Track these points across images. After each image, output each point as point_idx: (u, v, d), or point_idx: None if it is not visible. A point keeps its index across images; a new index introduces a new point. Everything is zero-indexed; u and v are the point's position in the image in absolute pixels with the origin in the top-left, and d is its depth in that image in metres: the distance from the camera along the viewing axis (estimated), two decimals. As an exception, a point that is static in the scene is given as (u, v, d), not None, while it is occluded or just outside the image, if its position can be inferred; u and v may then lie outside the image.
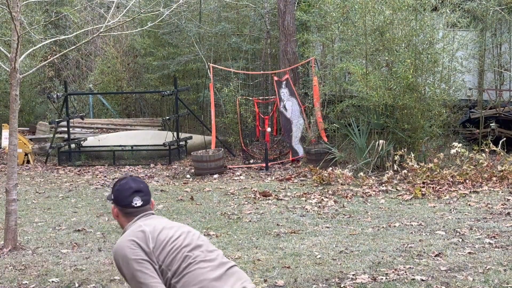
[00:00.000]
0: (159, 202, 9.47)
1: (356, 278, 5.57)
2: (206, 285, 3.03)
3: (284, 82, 13.08)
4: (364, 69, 11.43)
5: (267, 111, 14.14)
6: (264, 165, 12.31)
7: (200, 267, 3.07)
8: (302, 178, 11.03)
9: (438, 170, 9.94)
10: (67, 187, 11.13)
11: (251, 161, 12.97)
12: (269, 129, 13.11)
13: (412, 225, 7.46)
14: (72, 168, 13.30)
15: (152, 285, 3.01)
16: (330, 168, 10.77)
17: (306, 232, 7.38)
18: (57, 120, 14.19)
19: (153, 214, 3.31)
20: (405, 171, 10.10)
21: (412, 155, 10.21)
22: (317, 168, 11.00)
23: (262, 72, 14.84)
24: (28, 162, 13.94)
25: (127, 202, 3.25)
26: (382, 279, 5.52)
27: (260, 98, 14.02)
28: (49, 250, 7.06)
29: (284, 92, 13.02)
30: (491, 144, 10.47)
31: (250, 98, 13.63)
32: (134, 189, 3.26)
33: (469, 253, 6.20)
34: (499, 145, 10.43)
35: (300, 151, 12.75)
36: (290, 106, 12.99)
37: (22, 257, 6.80)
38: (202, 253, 3.14)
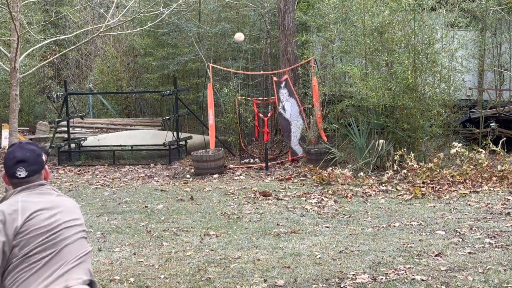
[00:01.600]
0: (159, 202, 9.47)
1: (356, 278, 5.57)
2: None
3: (283, 83, 13.07)
4: (363, 69, 11.44)
5: (267, 111, 14.14)
6: (263, 165, 12.30)
7: (31, 274, 2.89)
8: (302, 178, 11.03)
9: (438, 170, 9.94)
10: (67, 187, 11.13)
11: (249, 160, 12.96)
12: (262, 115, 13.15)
13: (412, 225, 7.46)
14: (72, 168, 13.30)
15: None
16: (330, 168, 10.77)
17: (306, 232, 7.37)
18: (57, 120, 14.19)
19: (41, 186, 3.08)
20: (405, 171, 10.10)
21: (412, 155, 10.21)
22: (317, 168, 11.00)
23: (261, 72, 14.83)
24: (28, 162, 13.93)
25: (11, 172, 3.05)
26: (382, 279, 5.51)
27: (260, 98, 14.01)
28: (49, 250, 7.05)
29: (283, 92, 13.01)
30: (491, 144, 10.47)
31: (250, 99, 13.62)
32: (17, 158, 3.05)
33: (469, 253, 6.20)
34: (499, 145, 10.43)
35: (299, 151, 12.75)
36: (289, 107, 12.99)
37: (22, 257, 6.79)
38: (52, 257, 2.93)
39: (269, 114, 13.54)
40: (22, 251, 2.90)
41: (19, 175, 3.05)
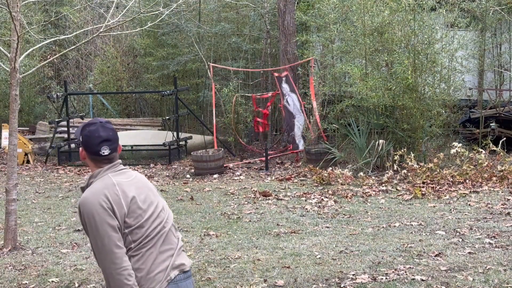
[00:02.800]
0: (159, 202, 9.46)
1: (356, 278, 5.57)
2: (152, 268, 3.15)
3: (284, 78, 13.10)
4: (363, 69, 11.44)
5: (265, 106, 14.14)
6: (263, 158, 12.30)
7: (154, 250, 3.18)
8: (302, 178, 11.03)
9: (438, 170, 9.94)
10: (67, 187, 11.13)
11: (251, 161, 12.97)
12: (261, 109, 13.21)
13: (412, 225, 7.46)
14: (72, 168, 13.30)
15: (117, 255, 3.06)
16: (330, 168, 10.77)
17: (306, 232, 7.37)
18: (57, 120, 14.19)
19: (120, 164, 3.32)
20: (405, 171, 10.10)
21: (412, 155, 10.21)
22: (317, 168, 11.00)
23: (261, 69, 14.84)
24: (28, 162, 13.94)
25: (95, 150, 3.25)
26: (382, 279, 5.52)
27: (258, 94, 14.00)
28: (49, 250, 7.06)
29: (285, 87, 13.04)
30: (491, 144, 10.47)
31: (249, 95, 13.63)
32: (103, 138, 3.26)
33: (469, 253, 6.20)
34: (499, 145, 10.43)
35: (301, 145, 12.72)
36: (292, 101, 13.01)
37: (22, 257, 6.80)
38: (163, 235, 3.23)
39: (267, 105, 13.54)
40: (135, 237, 3.15)
41: (103, 153, 3.26)
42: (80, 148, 3.33)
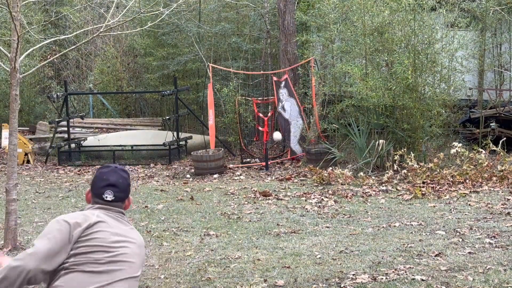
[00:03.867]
0: (159, 202, 9.47)
1: (356, 278, 5.56)
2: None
3: (283, 83, 13.08)
4: (363, 69, 11.44)
5: (267, 111, 14.14)
6: (263, 164, 12.31)
7: (84, 276, 2.89)
8: (302, 178, 11.03)
9: (438, 170, 9.94)
10: (67, 187, 11.13)
11: (250, 160, 12.97)
12: (261, 115, 13.13)
13: (412, 225, 7.46)
14: (72, 168, 13.30)
15: (38, 254, 2.85)
16: (330, 168, 10.77)
17: (306, 232, 7.37)
18: (57, 120, 14.19)
19: (120, 213, 3.11)
20: (405, 171, 10.10)
21: (412, 155, 10.21)
22: (317, 168, 11.00)
23: (261, 72, 14.83)
24: (28, 162, 13.94)
25: (99, 192, 3.10)
26: (382, 279, 5.51)
27: (259, 98, 14.01)
28: (49, 250, 7.05)
29: (283, 92, 13.02)
30: (491, 144, 10.47)
31: (250, 99, 13.63)
32: (109, 182, 3.09)
33: (469, 253, 6.20)
34: (499, 145, 10.43)
35: (299, 151, 12.77)
36: (289, 107, 13.00)
37: (22, 257, 6.79)
38: (102, 274, 2.92)
39: (269, 114, 13.54)
40: (77, 259, 2.91)
41: (106, 197, 3.08)
42: (88, 189, 3.18)
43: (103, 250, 2.94)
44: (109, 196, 3.08)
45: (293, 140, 12.90)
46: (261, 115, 13.34)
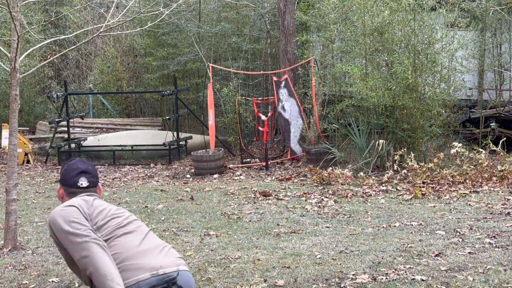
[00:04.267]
0: (159, 202, 9.47)
1: (356, 278, 5.56)
2: (130, 256, 2.97)
3: (283, 83, 13.08)
4: (363, 69, 11.44)
5: (267, 111, 14.14)
6: (263, 164, 12.31)
7: (127, 238, 3.02)
8: (302, 178, 11.03)
9: (438, 170, 9.94)
10: (67, 187, 11.11)
11: (250, 160, 12.97)
12: (263, 117, 13.09)
13: (412, 225, 7.46)
14: (72, 168, 13.28)
15: (90, 236, 2.92)
16: (330, 168, 10.77)
17: (306, 232, 7.37)
18: (57, 120, 14.19)
19: (97, 196, 3.23)
20: (405, 171, 10.10)
21: (412, 155, 10.21)
22: (317, 168, 11.00)
23: (261, 72, 14.83)
24: (28, 162, 13.95)
25: (73, 182, 3.19)
26: (382, 279, 5.51)
27: (259, 98, 14.01)
28: (49, 250, 7.06)
29: (283, 92, 13.02)
30: (491, 144, 10.47)
31: (250, 99, 13.63)
32: (81, 169, 3.20)
33: (469, 253, 6.20)
34: (499, 145, 10.43)
35: (299, 151, 12.78)
36: (289, 107, 13.00)
37: (22, 257, 6.80)
38: (129, 226, 3.10)
39: (269, 114, 13.54)
40: (103, 231, 3.03)
41: (81, 184, 3.19)
42: (58, 186, 3.25)
43: (116, 217, 3.09)
44: (84, 182, 3.19)
45: (293, 140, 12.91)
46: (261, 115, 13.35)
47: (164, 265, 2.99)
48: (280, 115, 12.96)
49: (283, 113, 12.93)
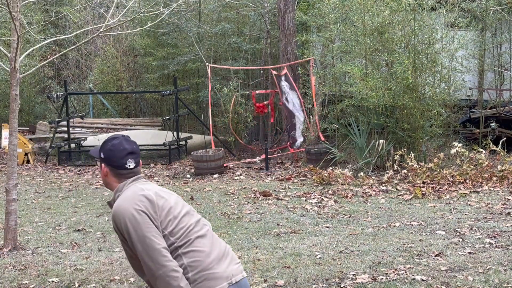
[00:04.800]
0: (159, 202, 9.46)
1: (356, 278, 5.56)
2: (208, 264, 3.07)
3: (283, 76, 13.09)
4: (363, 69, 11.44)
5: (266, 99, 14.14)
6: (263, 156, 12.31)
7: (201, 243, 3.11)
8: (302, 178, 11.03)
9: (438, 170, 9.94)
10: (67, 187, 11.12)
11: (251, 160, 12.98)
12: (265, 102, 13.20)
13: (412, 225, 7.46)
14: (72, 168, 13.30)
15: (162, 252, 2.99)
16: (330, 168, 10.76)
17: (306, 232, 7.37)
18: (57, 120, 14.19)
19: (143, 177, 3.29)
20: (405, 171, 10.09)
21: (412, 155, 10.21)
22: (317, 168, 11.00)
23: (260, 67, 14.83)
24: (28, 162, 13.94)
25: (121, 163, 3.20)
26: (382, 279, 5.51)
27: (257, 92, 13.97)
28: (49, 250, 7.06)
29: (284, 85, 13.04)
30: (491, 144, 10.47)
31: (248, 91, 13.62)
32: (128, 150, 3.22)
33: (469, 253, 6.20)
34: (499, 145, 10.43)
35: (299, 142, 12.73)
36: (291, 99, 13.01)
37: (22, 257, 6.79)
38: (199, 227, 3.17)
39: (265, 102, 13.53)
40: (177, 234, 3.09)
41: (129, 166, 3.22)
42: (102, 165, 3.25)
43: (183, 215, 3.16)
44: (131, 164, 3.23)
45: (297, 131, 12.89)
46: (260, 104, 13.34)
47: (234, 273, 3.15)
48: (285, 106, 12.97)
49: (287, 104, 12.95)
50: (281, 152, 13.35)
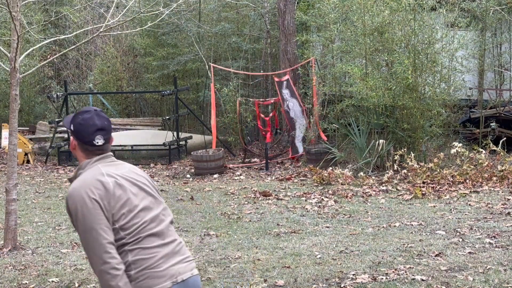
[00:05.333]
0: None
1: (356, 278, 5.56)
2: (154, 263, 2.99)
3: (284, 83, 13.08)
4: (363, 69, 11.44)
5: (267, 111, 14.13)
6: (264, 161, 12.31)
7: (150, 241, 3.02)
8: (302, 178, 11.03)
9: (438, 170, 9.94)
10: (67, 187, 11.12)
11: (250, 160, 12.97)
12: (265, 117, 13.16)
13: (412, 225, 7.46)
14: (72, 167, 13.29)
15: (106, 248, 2.90)
16: (330, 168, 10.76)
17: (306, 232, 7.37)
18: (57, 120, 14.19)
19: (112, 156, 3.20)
20: (405, 171, 10.09)
21: (412, 154, 10.21)
22: (317, 168, 10.99)
23: (262, 73, 14.82)
24: (28, 162, 13.94)
25: (89, 139, 3.11)
26: (382, 279, 5.51)
27: (261, 100, 14.00)
28: (49, 250, 7.06)
29: (285, 92, 13.03)
30: (491, 144, 10.47)
31: (251, 99, 13.62)
32: (98, 126, 3.12)
33: (469, 253, 6.20)
34: (499, 145, 10.43)
35: (301, 149, 12.77)
36: (292, 107, 13.00)
37: (22, 257, 6.79)
38: (155, 223, 3.08)
39: (271, 115, 13.53)
40: (128, 230, 3.00)
41: (97, 142, 3.12)
42: (71, 137, 3.18)
43: (141, 210, 3.07)
44: (100, 140, 3.13)
45: (297, 138, 12.89)
46: (262, 115, 13.34)
47: (182, 271, 3.05)
48: (286, 114, 12.97)
49: (289, 112, 12.94)
50: (280, 156, 13.36)
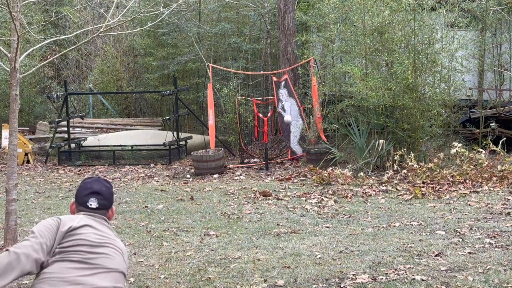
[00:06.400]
0: (159, 202, 9.47)
1: (356, 278, 5.56)
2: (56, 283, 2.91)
3: (282, 83, 13.07)
4: (363, 69, 11.44)
5: (266, 111, 14.13)
6: (263, 162, 12.31)
7: (64, 265, 2.94)
8: (302, 178, 11.03)
9: (438, 170, 9.94)
10: (67, 187, 11.13)
11: (250, 160, 12.97)
12: (263, 117, 13.13)
13: (412, 225, 7.46)
14: (72, 168, 13.30)
15: (32, 244, 2.90)
16: (330, 168, 10.77)
17: (306, 232, 7.37)
18: (57, 120, 14.19)
19: (104, 220, 3.16)
20: (405, 171, 10.09)
21: (412, 155, 10.21)
22: (317, 168, 11.00)
23: (261, 72, 14.82)
24: (28, 162, 13.94)
25: (83, 201, 3.17)
26: (382, 279, 5.51)
27: (259, 98, 14.01)
28: (49, 250, 7.05)
29: (283, 92, 13.01)
30: (491, 144, 10.47)
31: (250, 99, 13.62)
32: (93, 189, 3.17)
33: (469, 253, 6.20)
34: (499, 145, 10.43)
35: (299, 151, 12.78)
36: (289, 107, 12.99)
37: (22, 257, 6.78)
38: (82, 265, 2.95)
39: (269, 114, 13.53)
40: (62, 253, 2.97)
41: (90, 205, 3.15)
42: (72, 201, 3.26)
43: (88, 245, 3.00)
44: (93, 203, 3.15)
45: (293, 140, 12.90)
46: (260, 115, 13.34)
47: None
48: (280, 115, 12.96)
49: (283, 113, 12.92)
50: (280, 157, 13.36)
